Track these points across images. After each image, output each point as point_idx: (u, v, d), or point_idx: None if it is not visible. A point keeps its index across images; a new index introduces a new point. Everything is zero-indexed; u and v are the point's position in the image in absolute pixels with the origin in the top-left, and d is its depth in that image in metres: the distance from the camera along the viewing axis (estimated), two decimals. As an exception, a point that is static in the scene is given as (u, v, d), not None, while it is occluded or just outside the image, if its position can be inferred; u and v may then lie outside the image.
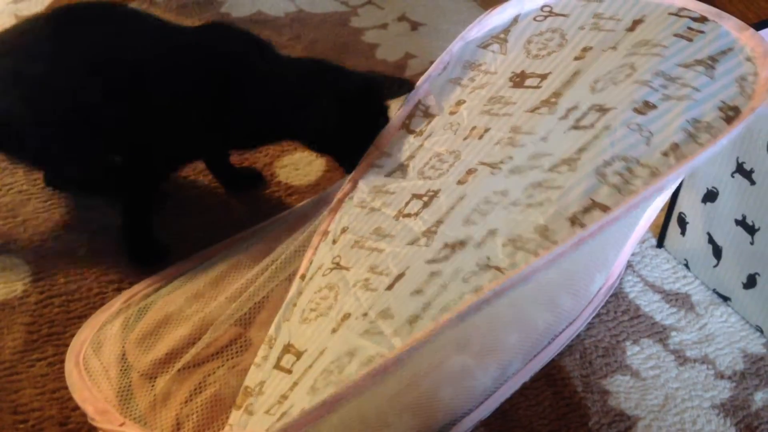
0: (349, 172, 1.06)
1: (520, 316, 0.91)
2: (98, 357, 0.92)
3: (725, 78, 0.85)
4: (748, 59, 0.86)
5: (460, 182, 0.90)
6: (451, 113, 1.02)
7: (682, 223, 1.11)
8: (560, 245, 0.75)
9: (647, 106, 0.85)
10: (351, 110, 1.03)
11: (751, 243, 1.00)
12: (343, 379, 0.72)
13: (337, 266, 0.88)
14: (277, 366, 0.81)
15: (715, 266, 1.08)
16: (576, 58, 0.96)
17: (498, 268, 0.77)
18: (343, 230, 0.93)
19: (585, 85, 0.92)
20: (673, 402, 0.96)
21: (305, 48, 1.58)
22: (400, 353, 0.70)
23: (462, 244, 0.82)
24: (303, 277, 0.90)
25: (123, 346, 0.94)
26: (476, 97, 1.01)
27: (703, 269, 1.11)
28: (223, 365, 0.92)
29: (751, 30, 0.89)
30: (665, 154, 0.80)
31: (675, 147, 0.80)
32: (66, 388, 0.92)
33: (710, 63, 0.87)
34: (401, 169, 0.98)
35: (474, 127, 0.97)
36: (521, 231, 0.79)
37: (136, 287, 1.03)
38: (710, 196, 1.04)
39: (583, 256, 0.92)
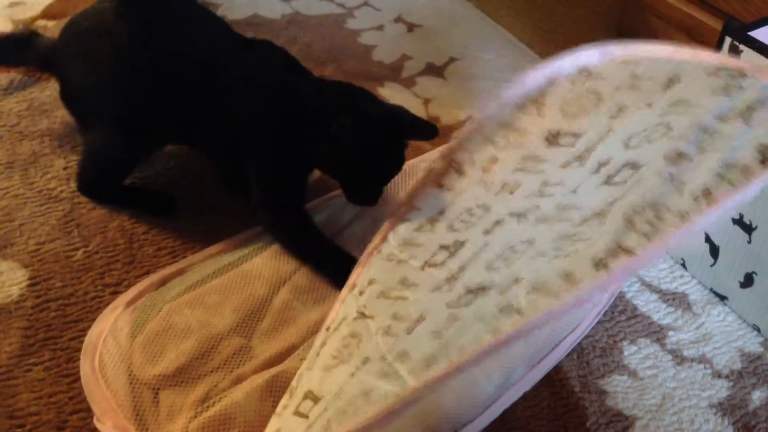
0: (351, 201, 1.07)
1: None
2: (108, 361, 0.93)
3: (764, 124, 0.84)
4: None
5: (486, 232, 0.90)
6: (485, 171, 1.01)
7: (679, 222, 1.11)
8: (582, 287, 0.75)
9: (681, 158, 0.84)
10: (365, 138, 1.01)
11: (748, 242, 1.00)
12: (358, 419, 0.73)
13: (362, 315, 0.87)
14: (296, 412, 0.80)
15: (712, 265, 1.08)
16: (611, 117, 0.95)
17: (519, 312, 0.77)
18: (370, 282, 0.92)
19: (618, 141, 0.91)
20: (670, 401, 0.96)
21: (301, 50, 1.58)
22: (414, 392, 0.71)
23: (484, 289, 0.82)
24: (328, 328, 0.90)
25: (129, 355, 0.94)
26: (510, 156, 1.00)
27: (700, 268, 1.11)
28: (225, 377, 0.92)
29: None
30: (696, 199, 0.79)
31: (707, 192, 0.79)
32: (63, 392, 0.93)
33: (748, 113, 0.86)
34: (431, 222, 0.98)
35: (506, 183, 0.96)
36: (547, 279, 0.79)
37: (140, 285, 1.03)
38: (706, 196, 1.04)
39: None
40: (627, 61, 1.00)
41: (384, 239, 0.97)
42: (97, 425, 0.87)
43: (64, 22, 1.16)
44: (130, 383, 0.91)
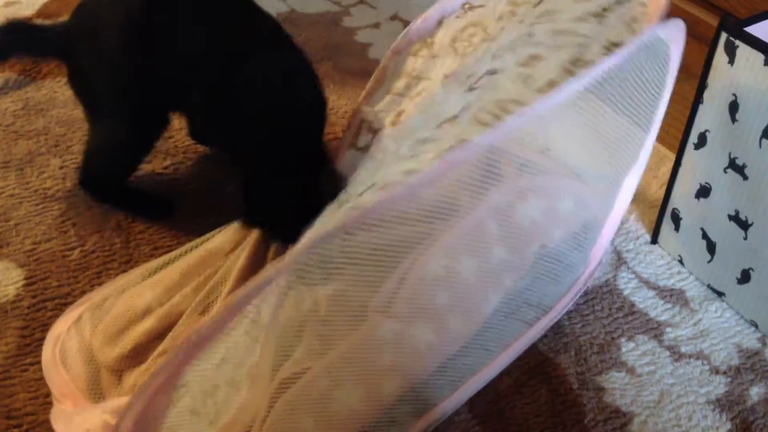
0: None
1: (444, 276, 0.89)
2: (69, 349, 0.94)
3: (615, 22, 0.87)
4: (642, 4, 0.88)
5: (376, 169, 0.93)
6: (393, 124, 1.04)
7: (676, 219, 1.11)
8: (413, 178, 0.73)
9: (534, 59, 0.87)
10: None
11: (745, 238, 1.00)
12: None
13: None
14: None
15: (709, 262, 1.08)
16: (491, 41, 1.00)
17: (356, 208, 0.78)
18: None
19: (488, 57, 0.95)
20: (668, 398, 0.96)
21: (297, 48, 1.58)
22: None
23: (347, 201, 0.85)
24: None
25: (90, 342, 0.95)
26: (414, 104, 1.05)
27: (698, 265, 1.11)
28: None
29: None
30: (539, 90, 0.81)
31: (551, 83, 0.81)
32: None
33: (602, 13, 0.89)
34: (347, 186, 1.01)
35: (407, 128, 1.01)
36: (393, 178, 0.81)
37: (109, 283, 1.04)
38: (703, 192, 1.04)
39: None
40: None
41: None
42: (57, 406, 0.88)
43: (60, 21, 1.16)
44: (91, 368, 0.92)
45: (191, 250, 1.06)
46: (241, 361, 0.78)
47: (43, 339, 0.99)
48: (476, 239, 0.88)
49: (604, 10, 0.89)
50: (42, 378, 0.94)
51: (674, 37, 0.86)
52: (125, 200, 1.19)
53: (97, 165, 1.17)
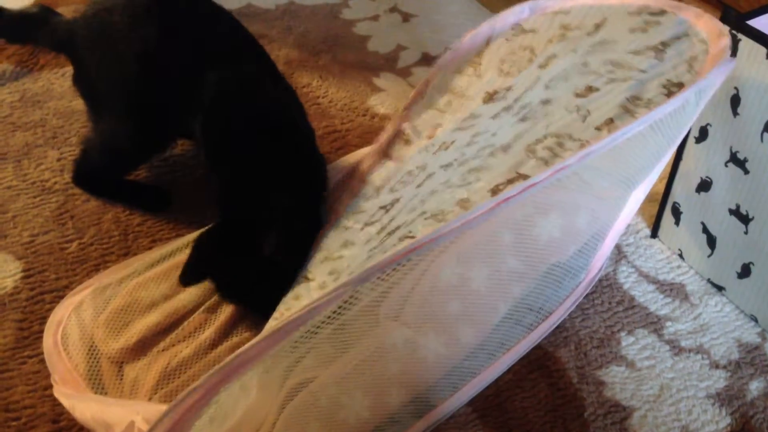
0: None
1: (456, 285, 0.90)
2: (70, 335, 0.95)
3: (675, 59, 0.86)
4: (702, 41, 0.87)
5: (419, 185, 0.93)
6: (429, 137, 1.04)
7: (676, 213, 1.11)
8: (470, 212, 0.75)
9: (589, 90, 0.87)
10: None
11: (745, 232, 1.00)
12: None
13: (305, 279, 0.91)
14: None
15: (710, 256, 1.08)
16: (540, 67, 0.98)
17: (412, 237, 0.79)
18: (318, 251, 0.95)
19: (541, 86, 0.93)
20: (668, 392, 0.96)
21: (296, 40, 1.57)
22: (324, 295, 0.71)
23: (398, 228, 0.84)
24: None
25: (92, 331, 0.95)
26: (452, 120, 1.04)
27: (698, 259, 1.11)
28: (188, 347, 0.94)
29: (708, 16, 0.90)
30: (599, 128, 0.81)
31: (609, 121, 0.81)
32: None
33: (661, 47, 0.88)
34: (377, 190, 1.01)
35: (443, 143, 0.99)
36: (444, 207, 0.81)
37: (111, 270, 1.04)
38: (704, 186, 1.04)
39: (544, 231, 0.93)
40: (558, 12, 1.03)
41: (337, 214, 1.00)
42: (56, 388, 0.88)
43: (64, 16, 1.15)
44: (92, 357, 0.93)
45: (190, 243, 1.05)
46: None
47: (41, 332, 0.98)
48: (490, 248, 0.89)
49: (663, 44, 0.88)
50: (40, 371, 0.94)
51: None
52: (120, 193, 1.18)
53: (93, 163, 1.17)
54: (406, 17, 1.69)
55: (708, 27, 0.88)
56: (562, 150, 0.81)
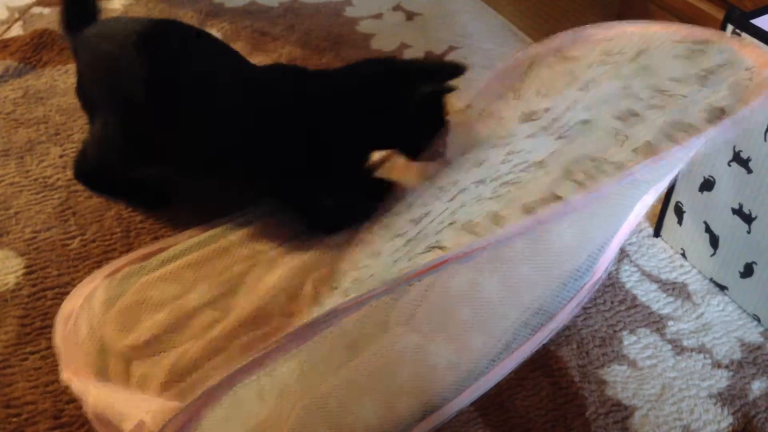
0: (414, 158, 1.10)
1: (467, 291, 0.90)
2: (81, 328, 0.94)
3: (717, 85, 0.85)
4: (747, 69, 0.86)
5: (450, 200, 0.93)
6: (463, 154, 1.05)
7: (679, 212, 1.11)
8: (504, 230, 0.75)
9: (631, 114, 0.86)
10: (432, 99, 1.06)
11: (748, 232, 0.99)
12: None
13: (331, 288, 0.93)
14: None
15: (712, 255, 1.07)
16: (580, 89, 0.97)
17: (442, 248, 0.78)
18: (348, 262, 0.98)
19: (580, 108, 0.93)
20: (670, 391, 0.96)
21: (299, 38, 1.57)
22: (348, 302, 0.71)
23: (426, 237, 0.85)
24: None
25: (102, 326, 0.95)
26: (487, 138, 1.04)
27: (700, 258, 1.10)
28: (196, 346, 0.94)
29: (754, 44, 0.89)
30: (635, 151, 0.80)
31: (647, 144, 0.80)
32: (60, 381, 0.92)
33: (704, 74, 0.87)
34: (408, 206, 1.01)
35: (476, 160, 1.00)
36: (474, 218, 0.81)
37: (119, 261, 1.04)
38: (707, 185, 1.03)
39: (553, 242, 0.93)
40: (600, 40, 1.02)
41: (370, 230, 1.01)
42: (66, 376, 0.87)
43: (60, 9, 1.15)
44: (102, 352, 0.93)
45: (201, 244, 1.07)
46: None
47: (42, 328, 0.98)
48: (502, 254, 0.89)
49: (706, 71, 0.87)
50: (41, 367, 0.94)
51: None
52: (120, 191, 1.18)
53: (90, 161, 1.17)
54: (410, 15, 1.69)
55: (754, 55, 0.87)
56: (599, 172, 0.80)
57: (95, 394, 0.81)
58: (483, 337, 0.94)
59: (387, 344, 0.83)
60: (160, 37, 1.05)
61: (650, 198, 1.01)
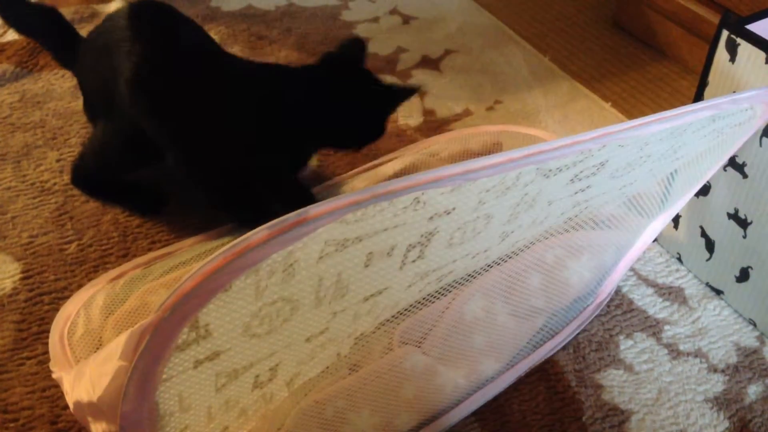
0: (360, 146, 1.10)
1: (482, 318, 0.91)
2: (78, 332, 0.93)
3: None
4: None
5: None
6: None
7: (675, 217, 1.11)
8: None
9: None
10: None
11: (744, 237, 1.00)
12: None
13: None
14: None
15: (708, 260, 1.08)
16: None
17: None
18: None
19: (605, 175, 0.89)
20: (666, 396, 0.96)
21: (295, 41, 1.58)
22: None
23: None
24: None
25: (100, 331, 0.94)
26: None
27: (696, 263, 1.11)
28: None
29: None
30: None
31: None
32: (57, 386, 0.92)
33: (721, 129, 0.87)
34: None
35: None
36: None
37: (121, 267, 1.04)
38: (703, 190, 1.04)
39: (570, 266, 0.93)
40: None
41: None
42: (56, 375, 0.86)
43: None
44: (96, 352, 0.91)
45: (209, 252, 1.06)
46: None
47: (39, 333, 0.98)
48: (514, 286, 0.89)
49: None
50: (38, 372, 0.94)
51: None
52: (116, 195, 1.18)
53: (88, 165, 1.16)
54: (406, 19, 1.69)
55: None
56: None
57: (69, 380, 0.80)
58: (494, 364, 0.95)
59: (395, 360, 0.83)
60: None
61: (659, 225, 1.01)
